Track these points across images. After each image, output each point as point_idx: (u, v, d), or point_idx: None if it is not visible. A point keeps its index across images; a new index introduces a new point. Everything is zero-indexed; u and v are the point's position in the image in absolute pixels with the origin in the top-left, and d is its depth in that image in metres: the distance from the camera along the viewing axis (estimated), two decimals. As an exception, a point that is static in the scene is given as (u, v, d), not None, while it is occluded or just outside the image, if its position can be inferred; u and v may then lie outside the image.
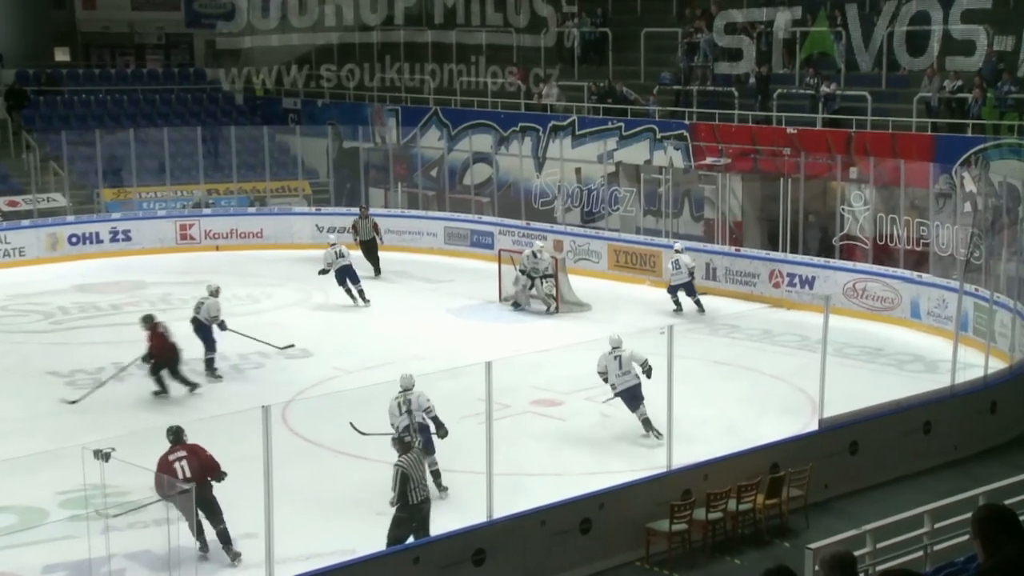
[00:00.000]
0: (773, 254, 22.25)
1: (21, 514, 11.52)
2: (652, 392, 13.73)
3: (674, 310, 20.67)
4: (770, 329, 19.69)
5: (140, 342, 18.99)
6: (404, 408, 12.82)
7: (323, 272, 22.16)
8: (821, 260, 21.38)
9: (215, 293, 17.70)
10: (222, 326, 17.39)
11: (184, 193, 29.03)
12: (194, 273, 24.89)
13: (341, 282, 22.03)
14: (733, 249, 22.87)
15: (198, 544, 10.78)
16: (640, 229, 24.95)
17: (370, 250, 24.86)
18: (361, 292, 21.99)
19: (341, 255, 22.08)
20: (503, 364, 11.55)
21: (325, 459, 13.73)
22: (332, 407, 15.24)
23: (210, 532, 10.86)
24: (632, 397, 14.19)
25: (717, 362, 17.81)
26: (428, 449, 12.55)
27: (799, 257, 21.78)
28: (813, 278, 21.22)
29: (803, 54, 24.56)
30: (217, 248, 27.74)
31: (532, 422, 14.99)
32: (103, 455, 9.90)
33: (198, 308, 17.49)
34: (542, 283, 21.31)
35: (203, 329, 17.33)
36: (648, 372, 14.05)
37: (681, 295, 20.73)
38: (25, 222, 26.32)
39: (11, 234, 25.70)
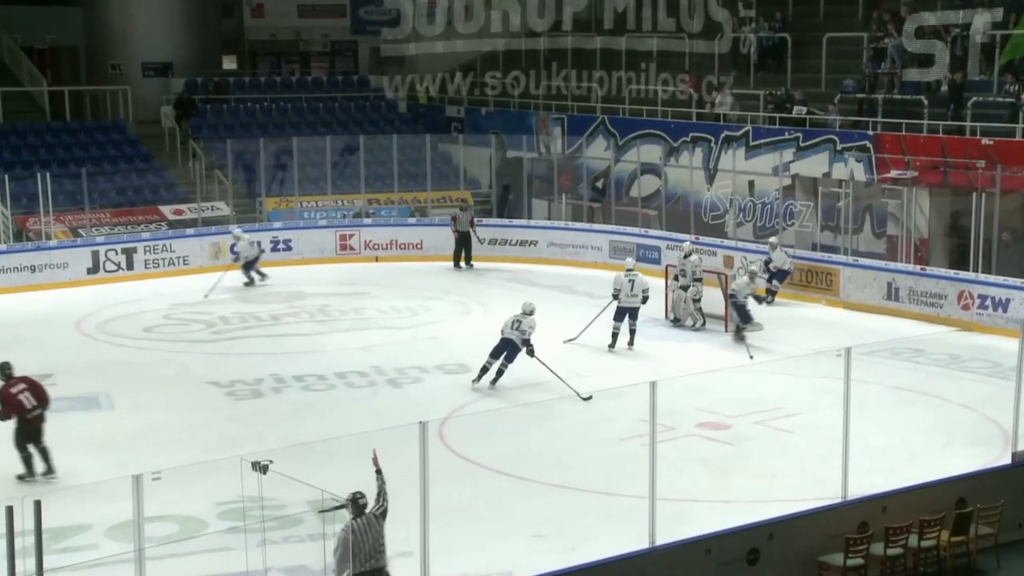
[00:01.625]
0: (963, 274, 21.57)
1: (181, 523, 11.99)
2: (826, 416, 13.47)
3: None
4: (958, 354, 19.09)
5: (299, 353, 19.71)
6: (515, 326, 17.13)
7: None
8: (1018, 281, 20.62)
9: (531, 312, 17.73)
10: (530, 351, 17.36)
11: (345, 203, 29.80)
12: (353, 284, 25.61)
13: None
14: (918, 268, 22.26)
15: (43, 468, 13.12)
16: (816, 245, 24.50)
17: (466, 242, 26.47)
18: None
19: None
20: (668, 384, 11.50)
21: (482, 478, 13.88)
22: (490, 425, 15.45)
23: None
24: (632, 316, 19.74)
25: (898, 388, 17.36)
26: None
27: (992, 278, 21.05)
28: (1008, 300, 20.46)
29: (1003, 59, 23.74)
30: (376, 259, 28.38)
31: (698, 445, 14.88)
32: (261, 467, 10.24)
33: (515, 325, 17.52)
34: (688, 291, 21.22)
35: (513, 347, 17.41)
36: (646, 299, 19.79)
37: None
38: (190, 231, 27.43)
39: (176, 242, 26.80)
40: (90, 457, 14.41)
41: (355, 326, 21.94)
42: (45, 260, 25.24)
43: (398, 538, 11.02)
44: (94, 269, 25.76)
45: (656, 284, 23.08)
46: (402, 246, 28.67)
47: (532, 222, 29.27)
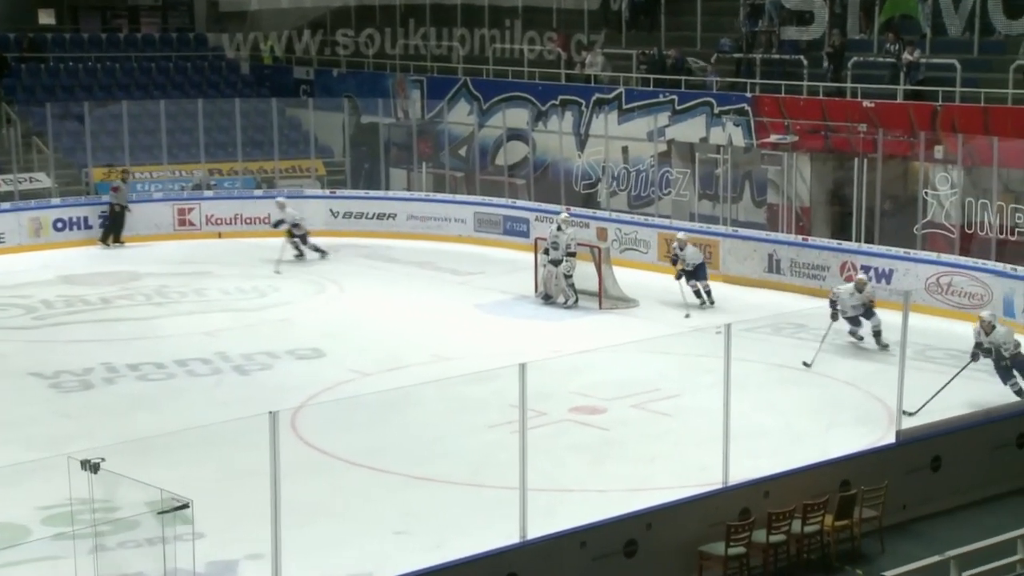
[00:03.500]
0: (846, 244, 22.16)
1: (3, 530, 11.67)
2: (706, 398, 13.73)
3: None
4: (841, 329, 19.61)
5: (134, 340, 19.30)
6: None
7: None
8: (900, 251, 21.28)
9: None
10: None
11: (183, 173, 29.24)
12: (194, 263, 25.18)
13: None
14: (800, 238, 22.79)
15: None
16: (695, 216, 24.91)
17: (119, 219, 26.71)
18: None
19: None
20: (539, 366, 11.58)
21: (339, 472, 13.81)
22: (347, 414, 15.37)
23: None
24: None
25: (780, 365, 17.77)
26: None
27: (875, 247, 21.68)
28: (891, 271, 21.12)
29: (883, 17, 24.42)
30: (219, 235, 27.94)
31: (571, 431, 15.03)
32: (91, 466, 10.01)
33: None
34: (560, 266, 21.39)
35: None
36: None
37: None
38: (5, 205, 26.57)
39: (-10, 218, 25.99)
40: None
41: (197, 308, 21.59)
42: None
43: (248, 539, 10.92)
44: None
45: (524, 259, 23.29)
46: (248, 220, 28.26)
47: (390, 193, 29.15)
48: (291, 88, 33.27)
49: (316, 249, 25.15)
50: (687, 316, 20.43)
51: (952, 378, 15.44)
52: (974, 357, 15.68)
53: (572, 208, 25.43)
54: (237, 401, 15.95)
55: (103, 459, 10.07)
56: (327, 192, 29.17)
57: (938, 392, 15.08)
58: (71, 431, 14.80)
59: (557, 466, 13.38)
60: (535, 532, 10.84)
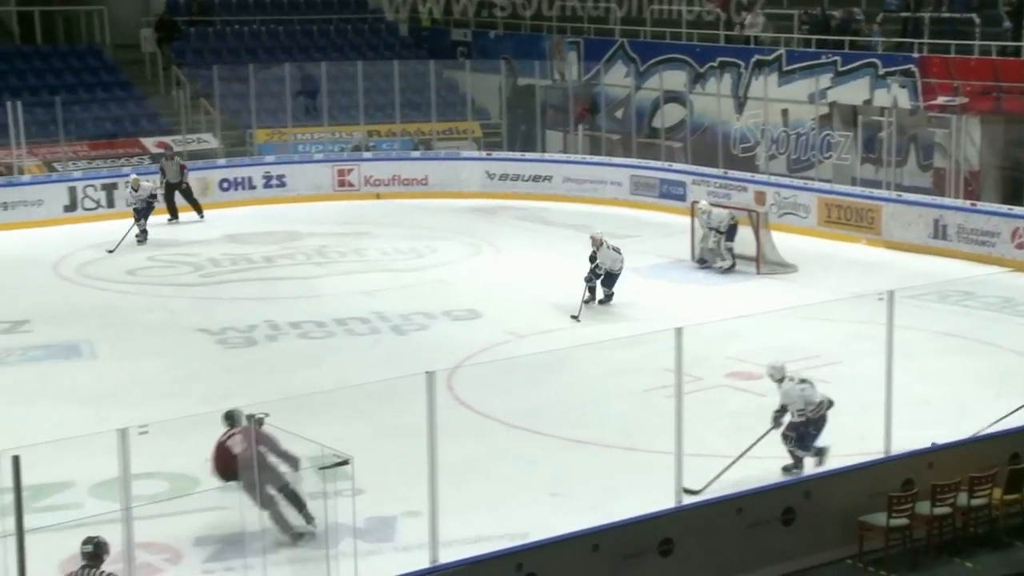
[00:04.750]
0: (1017, 209, 21.45)
1: (171, 481, 12.04)
2: (867, 366, 13.44)
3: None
4: (1012, 297, 19.02)
5: (295, 298, 19.73)
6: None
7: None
8: (1076, 217, 20.52)
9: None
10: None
11: (343, 135, 29.68)
12: (353, 223, 25.58)
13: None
14: (968, 204, 22.14)
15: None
16: (856, 180, 24.37)
17: (172, 194, 25.72)
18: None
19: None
20: (695, 331, 11.48)
21: (495, 433, 13.91)
22: (502, 376, 15.46)
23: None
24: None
25: (946, 334, 17.32)
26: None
27: (1049, 214, 20.95)
28: (1064, 239, 20.40)
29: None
30: (378, 196, 28.31)
31: (727, 397, 14.88)
32: (256, 420, 10.27)
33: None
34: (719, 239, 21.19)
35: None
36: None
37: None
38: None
39: (160, 178, 26.68)
40: (71, 409, 14.47)
41: (355, 268, 21.94)
42: (18, 197, 25.22)
43: (405, 496, 11.09)
44: (71, 207, 25.75)
45: (681, 223, 23.08)
46: (405, 182, 28.59)
47: (546, 156, 29.16)
48: (448, 50, 33.45)
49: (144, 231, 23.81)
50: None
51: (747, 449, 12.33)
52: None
53: (730, 171, 25.12)
54: (394, 360, 16.18)
55: (267, 414, 10.32)
56: (483, 154, 29.32)
57: (728, 467, 12.04)
58: (236, 386, 15.19)
59: (712, 431, 13.26)
60: (690, 497, 10.77)
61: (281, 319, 18.38)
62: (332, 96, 29.92)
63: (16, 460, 7.93)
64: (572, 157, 28.81)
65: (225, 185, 27.59)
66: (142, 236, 23.63)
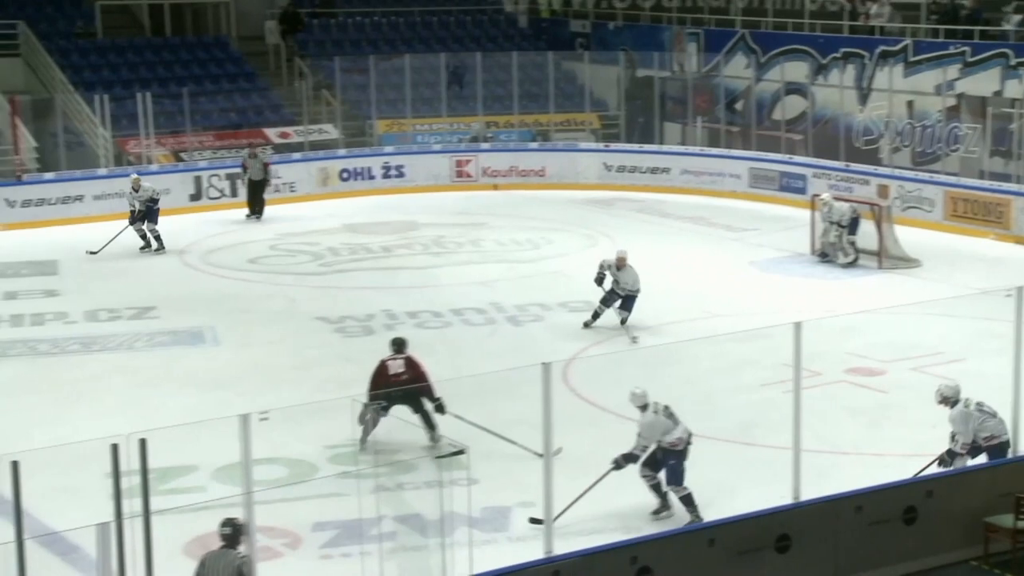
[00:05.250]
0: None
1: (290, 467, 12.24)
2: (993, 364, 13.13)
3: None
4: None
5: (412, 288, 19.90)
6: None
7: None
8: None
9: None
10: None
11: (461, 126, 29.83)
12: (470, 214, 25.72)
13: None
14: (1101, 199, 21.54)
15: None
16: (985, 173, 23.82)
17: (256, 191, 25.33)
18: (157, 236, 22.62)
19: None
20: (814, 326, 11.32)
21: (610, 425, 13.87)
22: (618, 368, 15.42)
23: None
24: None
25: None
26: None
27: None
28: None
29: None
30: (495, 187, 28.43)
31: (847, 393, 14.67)
32: (374, 408, 10.41)
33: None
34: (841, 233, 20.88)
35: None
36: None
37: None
38: (296, 155, 27.78)
39: (282, 168, 27.17)
40: (195, 394, 14.79)
41: (472, 259, 22.06)
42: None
43: (519, 486, 11.13)
44: (197, 196, 26.30)
45: (800, 216, 22.80)
46: (523, 173, 28.66)
47: (664, 147, 28.99)
48: (567, 41, 33.41)
49: (157, 239, 22.58)
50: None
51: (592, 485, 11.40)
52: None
53: (852, 164, 24.74)
54: (510, 351, 16.24)
55: (384, 403, 10.46)
56: (601, 146, 29.27)
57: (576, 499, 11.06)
58: (354, 374, 15.33)
59: (831, 428, 13.10)
60: (808, 494, 10.64)
61: (398, 308, 18.56)
62: (451, 87, 30.10)
63: (143, 443, 8.13)
64: (690, 149, 28.62)
65: (345, 175, 27.94)
66: (145, 244, 22.49)
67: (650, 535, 10.12)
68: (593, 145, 29.32)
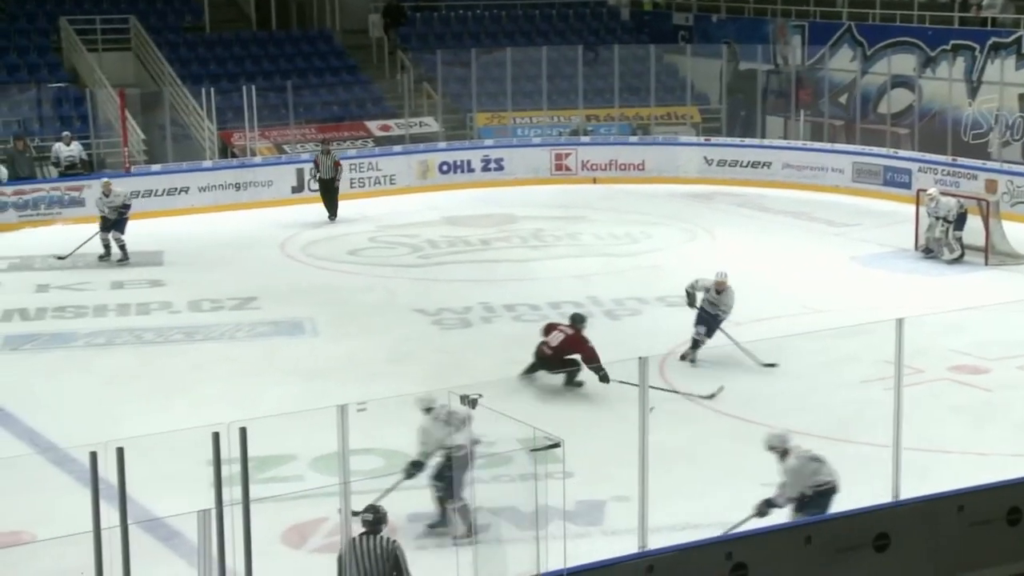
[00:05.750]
0: None
1: (387, 457, 12.34)
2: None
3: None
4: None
5: (510, 281, 19.96)
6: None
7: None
8: None
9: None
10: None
11: (561, 119, 29.82)
12: (569, 207, 25.71)
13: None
14: None
15: None
16: (1098, 168, 23.25)
17: (327, 190, 24.75)
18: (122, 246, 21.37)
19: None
20: (917, 322, 11.17)
21: (707, 420, 13.82)
22: (715, 362, 15.33)
23: None
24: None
25: None
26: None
27: None
28: None
29: None
30: (594, 180, 28.37)
31: (950, 391, 14.43)
32: (470, 401, 10.43)
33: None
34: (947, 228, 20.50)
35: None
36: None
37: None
38: (397, 148, 28.00)
39: (383, 160, 27.40)
40: (294, 384, 14.99)
41: (570, 252, 22.06)
42: (250, 177, 26.21)
43: (614, 480, 11.12)
44: (298, 188, 26.60)
45: (905, 211, 22.46)
46: (622, 167, 28.57)
47: (766, 141, 28.70)
48: (669, 34, 33.22)
49: (122, 248, 21.37)
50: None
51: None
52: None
53: (959, 159, 24.31)
54: (607, 345, 16.15)
55: (480, 395, 10.49)
56: (701, 139, 29.06)
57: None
58: (451, 367, 15.47)
59: (933, 426, 12.89)
60: (909, 492, 10.48)
61: (496, 301, 18.62)
62: (552, 80, 30.09)
63: (243, 432, 8.25)
64: (793, 143, 28.28)
65: (445, 168, 28.08)
66: (106, 253, 21.33)
67: (746, 531, 10.04)
68: (693, 139, 29.12)
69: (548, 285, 19.63)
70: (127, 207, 21.51)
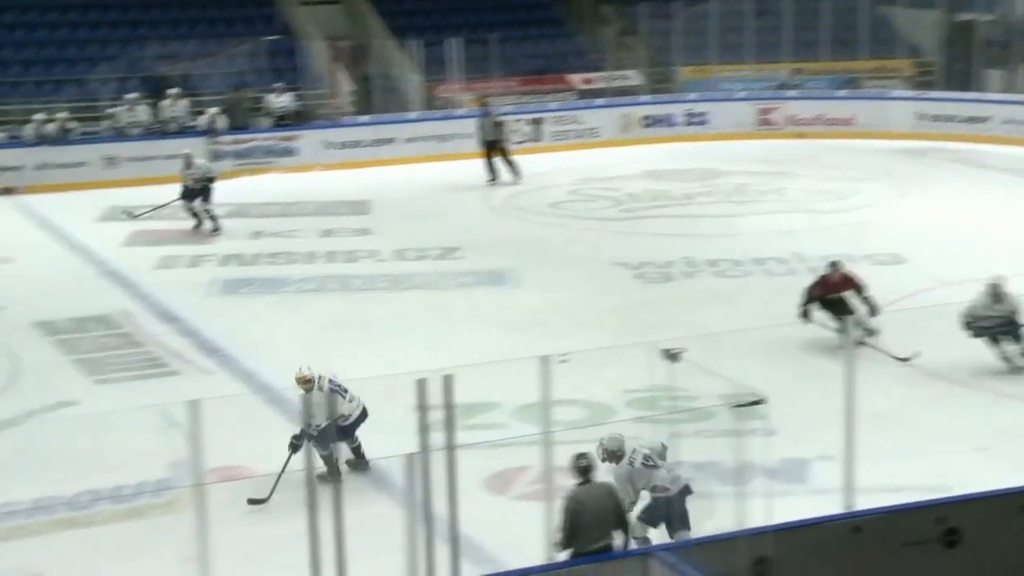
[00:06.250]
0: None
1: (589, 409, 12.39)
2: None
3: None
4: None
5: (713, 236, 19.74)
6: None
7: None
8: None
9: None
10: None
11: (767, 72, 29.24)
12: (774, 162, 25.26)
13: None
14: None
15: None
16: None
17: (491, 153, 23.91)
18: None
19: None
20: None
21: (919, 381, 13.43)
22: (927, 323, 14.87)
23: None
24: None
25: None
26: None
27: None
28: None
29: None
30: (800, 135, 27.78)
31: None
32: (672, 355, 10.37)
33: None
34: None
35: None
36: None
37: None
38: (599, 101, 27.93)
39: (586, 113, 27.38)
40: (497, 334, 15.15)
41: (775, 208, 21.68)
42: (455, 129, 26.50)
43: (820, 440, 10.93)
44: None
45: None
46: (830, 121, 27.91)
47: (984, 95, 27.63)
48: (882, -16, 32.19)
49: (213, 219, 20.62)
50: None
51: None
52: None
53: None
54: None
55: (685, 349, 10.41)
56: (914, 93, 28.15)
57: None
58: (652, 320, 15.40)
59: None
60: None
61: (698, 256, 18.43)
62: (759, 33, 29.52)
63: (448, 379, 8.38)
64: (1014, 97, 27.13)
65: (647, 121, 27.91)
66: (198, 223, 20.61)
67: (959, 496, 9.72)
68: (906, 93, 28.22)
69: (752, 240, 19.33)
70: (210, 179, 20.65)
